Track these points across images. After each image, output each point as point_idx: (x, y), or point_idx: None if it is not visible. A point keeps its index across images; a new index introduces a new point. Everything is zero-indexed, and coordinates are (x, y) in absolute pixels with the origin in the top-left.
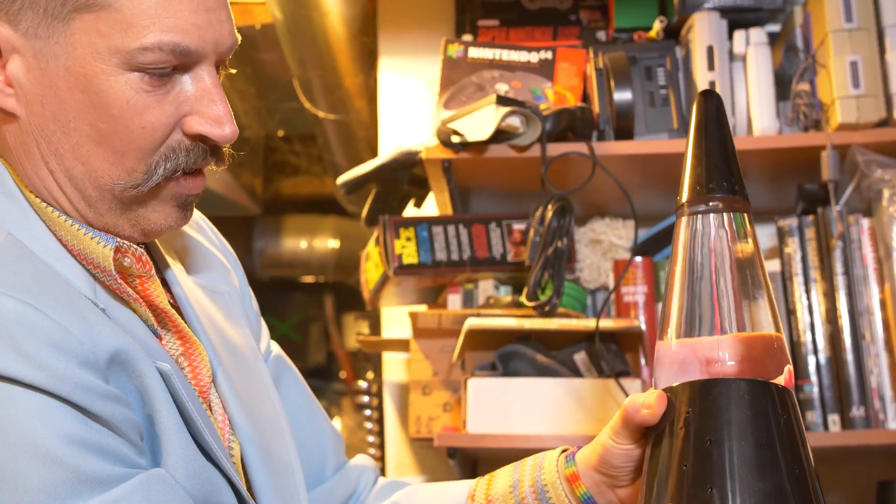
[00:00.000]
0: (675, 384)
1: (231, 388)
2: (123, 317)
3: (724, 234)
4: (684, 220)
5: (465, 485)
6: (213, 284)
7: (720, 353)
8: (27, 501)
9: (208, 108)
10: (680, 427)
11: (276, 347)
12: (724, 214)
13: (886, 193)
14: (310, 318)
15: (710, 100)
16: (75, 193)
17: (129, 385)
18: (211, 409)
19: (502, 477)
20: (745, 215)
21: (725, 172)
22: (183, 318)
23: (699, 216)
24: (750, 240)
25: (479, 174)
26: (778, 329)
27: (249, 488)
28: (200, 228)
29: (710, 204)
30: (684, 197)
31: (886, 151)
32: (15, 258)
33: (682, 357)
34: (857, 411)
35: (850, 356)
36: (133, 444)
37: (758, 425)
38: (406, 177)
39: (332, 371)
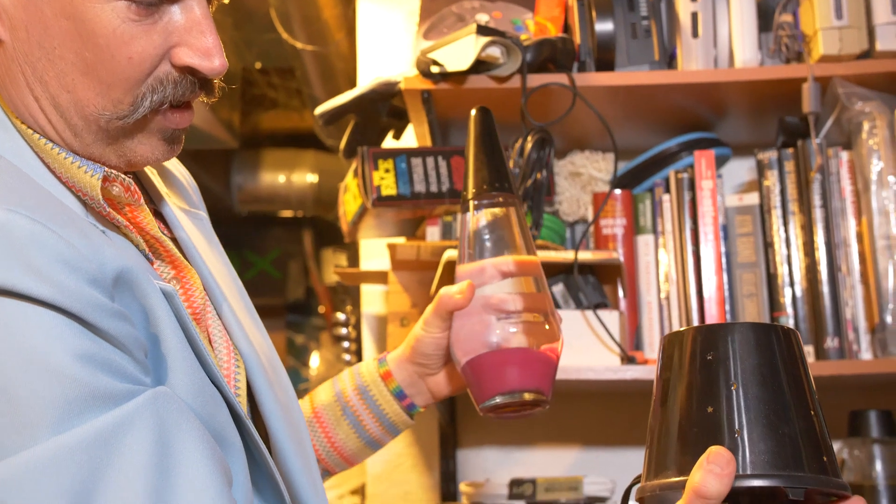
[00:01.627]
0: (683, 328)
1: (232, 313)
2: (118, 242)
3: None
4: (471, 206)
5: None
6: (192, 210)
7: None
8: (38, 416)
9: (197, 39)
10: (700, 370)
11: None
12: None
13: (866, 126)
14: (289, 254)
15: (486, 115)
16: (61, 122)
17: (133, 304)
18: (209, 334)
19: (324, 391)
20: (514, 207)
21: (503, 174)
22: (176, 244)
23: (480, 209)
24: (510, 224)
25: (459, 105)
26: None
27: (255, 411)
28: None
29: (494, 198)
30: (470, 194)
31: (868, 84)
32: (15, 179)
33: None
34: (831, 343)
35: (825, 288)
36: (139, 362)
37: (781, 370)
38: (385, 108)
39: (311, 306)
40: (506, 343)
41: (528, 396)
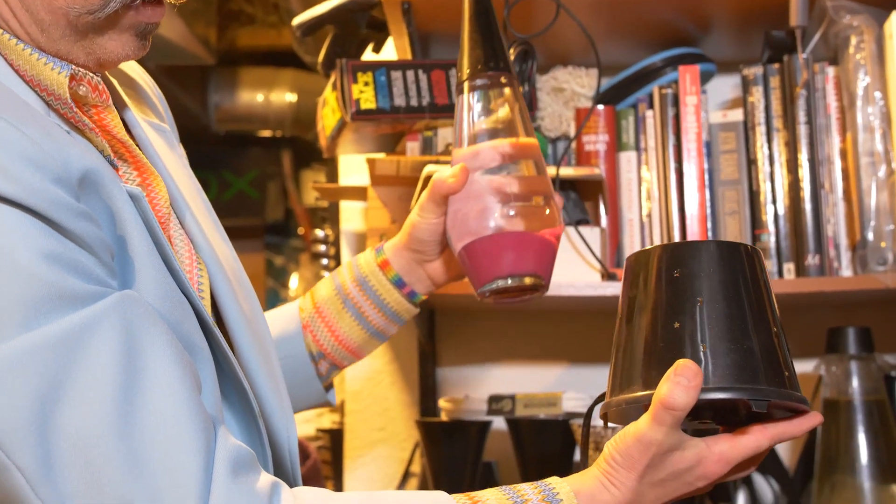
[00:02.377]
0: (649, 246)
1: (195, 222)
2: (82, 144)
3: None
4: (466, 87)
5: (292, 305)
6: (157, 123)
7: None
8: (4, 315)
9: None
10: (667, 287)
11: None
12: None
13: (853, 40)
14: (267, 174)
15: None
16: (26, 16)
17: (99, 206)
18: (172, 242)
19: (324, 286)
20: (511, 88)
21: (499, 53)
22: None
23: (476, 91)
24: (507, 106)
25: (440, 17)
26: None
27: (218, 317)
28: (128, 64)
29: (489, 78)
30: (464, 74)
31: None
32: None
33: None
34: (812, 260)
35: (808, 206)
36: (105, 264)
37: (746, 287)
38: (364, 20)
39: (290, 228)
40: (503, 227)
41: (527, 281)
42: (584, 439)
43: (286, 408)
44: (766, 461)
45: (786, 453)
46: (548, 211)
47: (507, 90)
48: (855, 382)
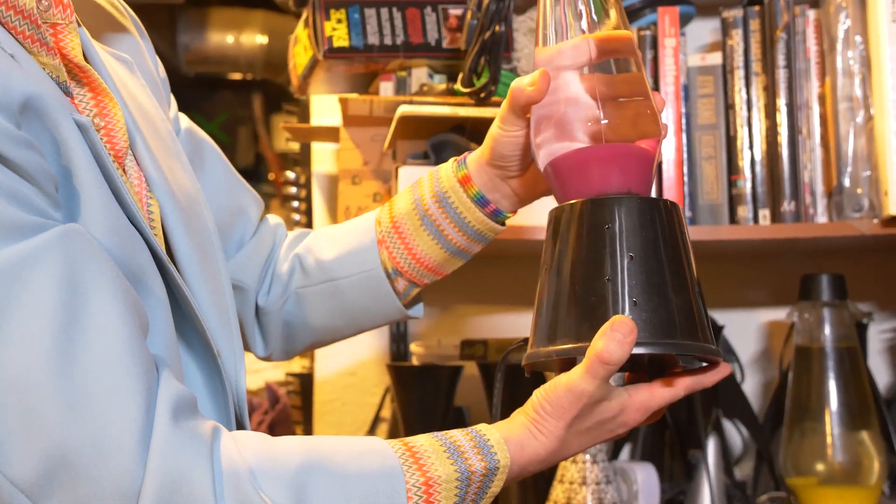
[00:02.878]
0: (576, 200)
1: (149, 153)
2: (30, 68)
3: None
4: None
5: (370, 215)
6: (119, 53)
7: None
8: None
9: None
10: (597, 241)
11: (185, 120)
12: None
13: None
14: (237, 118)
15: None
16: None
17: (43, 134)
18: (126, 174)
19: (402, 198)
20: None
21: None
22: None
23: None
24: (615, 15)
25: None
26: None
27: (169, 252)
28: None
29: None
30: None
31: None
32: None
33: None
34: (787, 206)
35: (785, 151)
36: (48, 195)
37: (672, 243)
38: None
39: (260, 173)
40: (592, 138)
41: None
42: (498, 382)
43: (237, 350)
44: (737, 407)
45: (755, 399)
46: (649, 112)
47: None
48: (827, 329)
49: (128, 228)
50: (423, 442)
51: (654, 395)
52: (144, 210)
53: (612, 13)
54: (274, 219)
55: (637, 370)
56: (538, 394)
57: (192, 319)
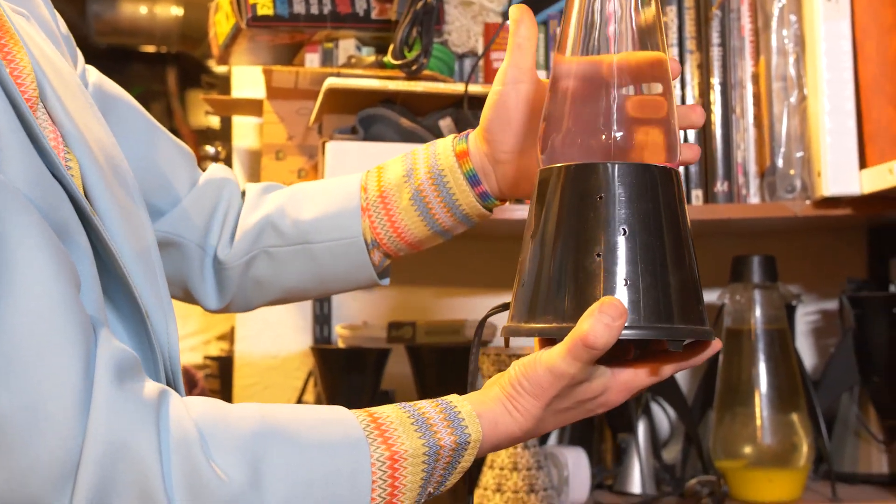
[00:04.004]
0: (564, 164)
1: (61, 105)
2: None
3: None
4: None
5: (354, 179)
6: (14, 6)
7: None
8: None
9: None
10: (589, 212)
11: (95, 73)
12: None
13: None
14: (152, 93)
15: None
16: None
17: None
18: (39, 122)
19: (393, 166)
20: None
21: None
22: None
23: None
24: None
25: None
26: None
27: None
28: None
29: None
30: None
31: None
32: None
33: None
34: (720, 186)
35: (718, 131)
36: None
37: (669, 216)
38: None
39: None
40: (601, 153)
41: None
42: (474, 348)
43: (167, 309)
44: (666, 390)
45: (685, 381)
46: (658, 145)
47: None
48: (758, 311)
49: (49, 179)
50: (390, 413)
51: (638, 375)
52: (63, 161)
53: (658, 32)
54: (222, 171)
55: (623, 346)
56: (516, 368)
57: (119, 277)
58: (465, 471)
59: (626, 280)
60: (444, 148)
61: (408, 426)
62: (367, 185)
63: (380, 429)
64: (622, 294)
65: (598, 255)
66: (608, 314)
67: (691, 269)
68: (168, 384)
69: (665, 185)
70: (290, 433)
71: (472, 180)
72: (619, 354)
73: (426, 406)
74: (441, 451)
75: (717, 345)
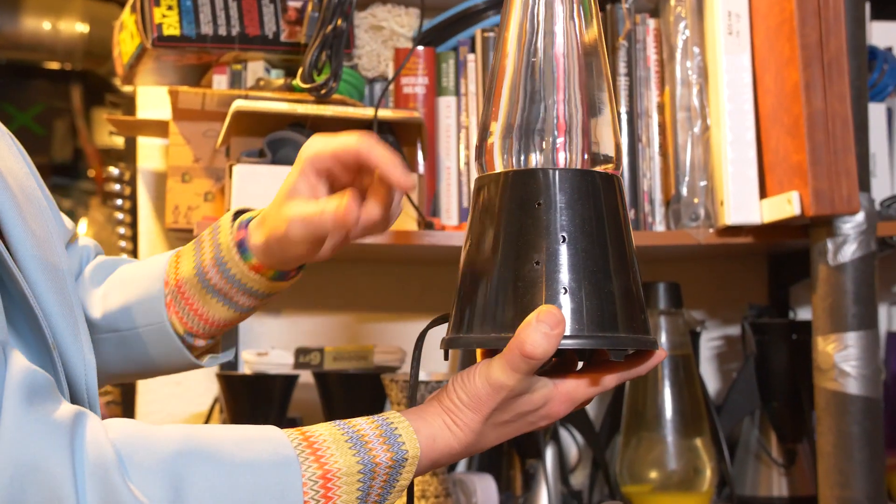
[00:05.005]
0: (508, 169)
1: None
2: None
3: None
4: None
5: (161, 263)
6: None
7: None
8: None
9: None
10: (527, 218)
11: None
12: None
13: None
14: (54, 110)
15: None
16: None
17: None
18: None
19: (186, 259)
20: None
21: None
22: None
23: None
24: (595, 22)
25: None
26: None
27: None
28: None
29: None
30: None
31: None
32: None
33: None
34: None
35: (625, 159)
36: None
37: (611, 222)
38: None
39: (79, 169)
40: None
41: None
42: (414, 363)
43: (82, 338)
44: (573, 415)
45: (592, 407)
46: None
47: None
48: (663, 337)
49: None
50: (323, 431)
51: (581, 386)
52: None
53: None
54: (83, 240)
55: (565, 355)
56: (455, 381)
57: (23, 304)
58: (406, 488)
59: (565, 288)
60: (224, 237)
61: (342, 444)
62: (168, 277)
63: (312, 447)
64: (562, 302)
65: (538, 263)
66: (546, 323)
67: (634, 277)
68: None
69: (607, 192)
70: (214, 452)
71: (280, 277)
72: (563, 365)
73: (361, 423)
74: (377, 468)
75: (661, 354)
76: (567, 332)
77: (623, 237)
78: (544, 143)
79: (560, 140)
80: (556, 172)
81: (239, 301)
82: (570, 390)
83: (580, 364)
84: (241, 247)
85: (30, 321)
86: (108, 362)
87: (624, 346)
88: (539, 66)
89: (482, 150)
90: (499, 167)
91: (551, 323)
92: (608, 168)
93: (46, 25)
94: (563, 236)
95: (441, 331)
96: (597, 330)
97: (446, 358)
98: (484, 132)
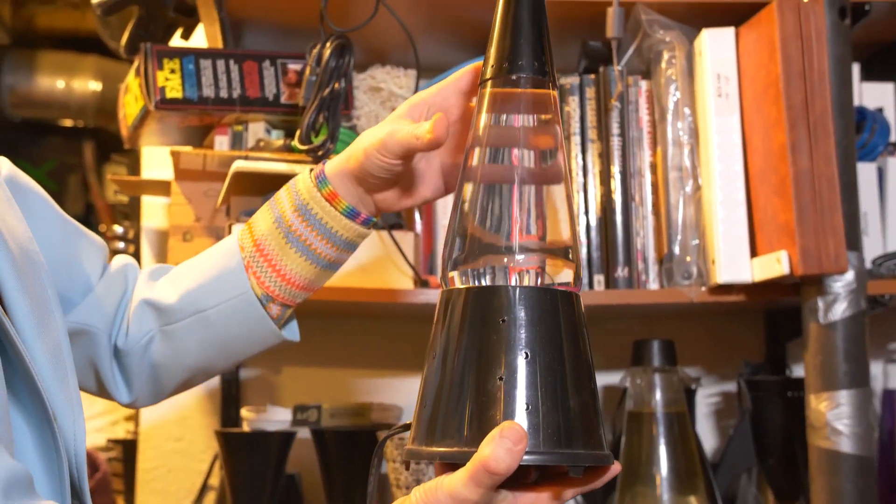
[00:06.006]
0: (466, 286)
1: None
2: None
3: (528, 115)
4: (484, 93)
5: (232, 239)
6: None
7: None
8: None
9: None
10: (490, 335)
11: (6, 164)
12: (529, 93)
13: (665, 55)
14: (67, 166)
15: None
16: None
17: None
18: None
19: (262, 217)
20: (551, 97)
21: (536, 51)
22: None
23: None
24: (554, 124)
25: (253, 4)
26: (573, 223)
27: (1, 304)
28: None
29: (516, 82)
30: (489, 72)
31: (669, 13)
32: None
33: None
34: (621, 272)
35: (619, 218)
36: None
37: (570, 339)
38: (172, 3)
39: (91, 224)
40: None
41: None
42: (373, 470)
43: (76, 409)
44: None
45: None
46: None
47: (552, 98)
48: (658, 395)
49: None
50: None
51: (541, 501)
52: None
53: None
54: (122, 259)
55: (525, 469)
56: (418, 493)
57: (25, 377)
58: None
59: (527, 405)
60: (304, 184)
61: None
62: (242, 243)
63: None
64: (523, 418)
65: (501, 379)
66: (509, 439)
67: (591, 393)
68: (72, 483)
69: (567, 309)
70: None
71: (351, 215)
72: (520, 477)
73: None
74: None
75: (616, 468)
76: (528, 448)
77: (581, 354)
78: (504, 259)
79: (520, 258)
80: (520, 290)
81: (318, 251)
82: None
83: (534, 474)
84: (320, 178)
85: (30, 391)
86: (186, 351)
87: (583, 462)
88: (494, 187)
89: (445, 268)
90: (458, 285)
91: (514, 439)
92: (570, 273)
93: (60, 84)
94: (526, 353)
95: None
96: (557, 446)
97: (408, 468)
98: (447, 249)
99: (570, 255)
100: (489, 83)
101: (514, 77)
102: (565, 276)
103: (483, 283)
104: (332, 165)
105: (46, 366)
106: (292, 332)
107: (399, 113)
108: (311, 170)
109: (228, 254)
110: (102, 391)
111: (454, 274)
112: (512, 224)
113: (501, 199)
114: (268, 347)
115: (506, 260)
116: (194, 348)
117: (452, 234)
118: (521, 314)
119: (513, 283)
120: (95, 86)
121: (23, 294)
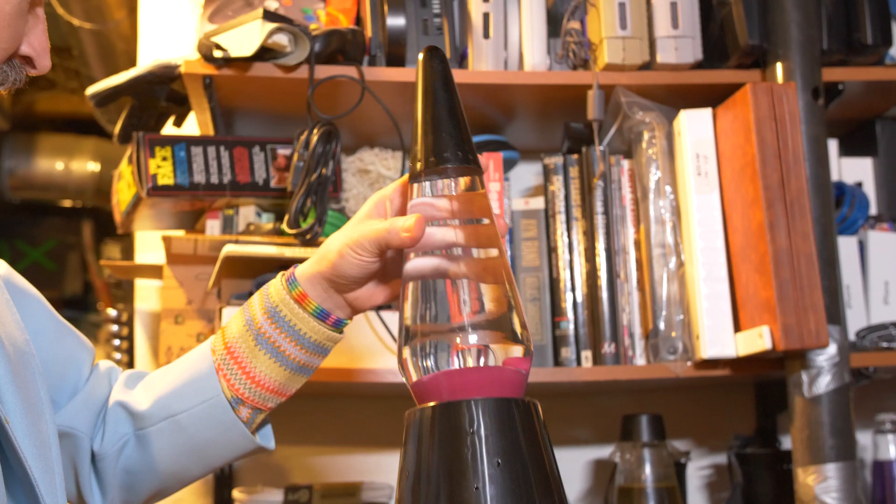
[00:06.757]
0: (430, 404)
1: None
2: None
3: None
4: (416, 187)
5: (205, 345)
6: None
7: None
8: None
9: (40, 36)
10: (463, 448)
11: (3, 266)
12: (455, 181)
13: (646, 136)
14: (66, 245)
15: (435, 59)
16: None
17: None
18: None
19: (234, 322)
20: (477, 179)
21: (458, 140)
22: None
23: (429, 184)
24: (485, 198)
25: (243, 93)
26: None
27: None
28: None
29: (444, 174)
30: (418, 166)
31: (648, 94)
32: None
33: None
34: (608, 348)
35: (604, 294)
36: None
37: (536, 445)
38: (164, 93)
39: (88, 302)
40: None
41: None
42: None
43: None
44: None
45: None
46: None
47: (477, 181)
48: (647, 469)
49: None
50: None
51: None
52: None
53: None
54: (105, 363)
55: None
56: None
57: (21, 476)
58: None
59: None
60: (274, 288)
61: None
62: (214, 347)
63: None
64: None
65: (477, 488)
66: None
67: (560, 496)
68: None
69: (526, 419)
70: None
71: (322, 315)
72: None
73: None
74: None
75: None
76: None
77: (545, 458)
78: (451, 346)
79: (465, 337)
80: (483, 403)
81: (288, 353)
82: None
83: None
84: (290, 280)
85: (25, 490)
86: (159, 457)
87: None
88: (432, 282)
89: (400, 357)
90: (413, 375)
91: None
92: (521, 350)
93: (59, 165)
94: (497, 461)
95: None
96: None
97: None
98: (402, 338)
99: (515, 326)
100: (422, 175)
101: (440, 168)
102: (515, 351)
103: (429, 364)
104: (303, 269)
105: (37, 464)
106: (266, 438)
107: (365, 212)
108: (282, 274)
109: (201, 358)
110: (79, 497)
111: (409, 365)
112: (450, 305)
113: (441, 286)
114: (243, 454)
115: (453, 340)
116: (167, 454)
117: (402, 327)
118: (490, 426)
119: (456, 364)
120: (94, 166)
121: (17, 394)
